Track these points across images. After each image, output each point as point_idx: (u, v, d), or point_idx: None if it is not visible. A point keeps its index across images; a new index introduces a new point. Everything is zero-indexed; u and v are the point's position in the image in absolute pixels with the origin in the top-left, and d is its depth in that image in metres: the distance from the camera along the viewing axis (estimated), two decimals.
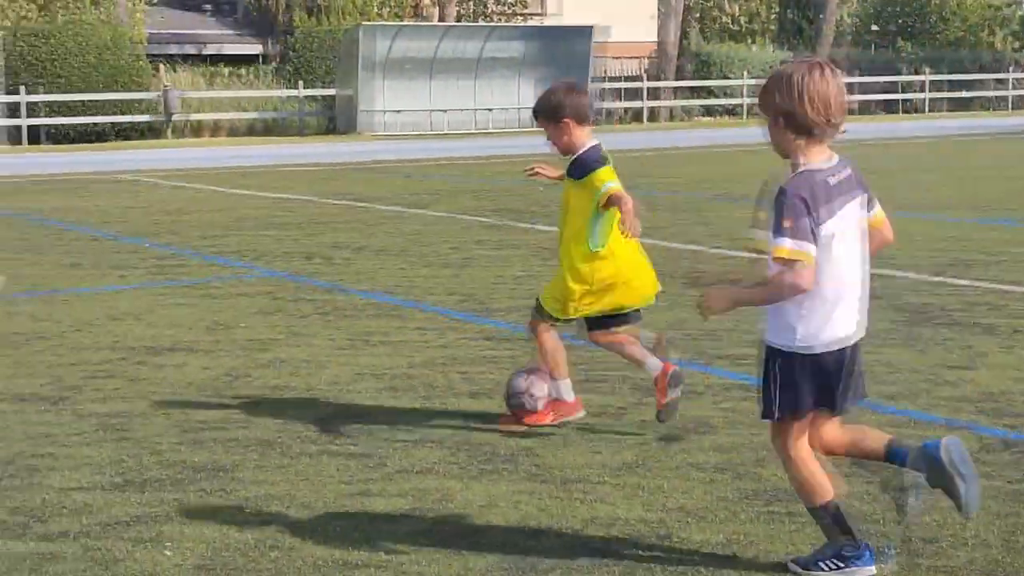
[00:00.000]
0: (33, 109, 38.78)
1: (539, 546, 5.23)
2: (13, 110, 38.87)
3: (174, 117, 40.94)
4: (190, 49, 49.81)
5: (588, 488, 5.98)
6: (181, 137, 41.18)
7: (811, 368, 4.67)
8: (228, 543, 5.31)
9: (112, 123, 39.89)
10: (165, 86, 41.71)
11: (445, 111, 44.28)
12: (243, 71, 46.46)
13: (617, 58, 53.63)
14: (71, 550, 5.26)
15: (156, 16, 49.59)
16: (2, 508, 5.80)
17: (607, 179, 6.68)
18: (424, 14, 52.61)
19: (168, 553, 5.20)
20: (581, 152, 6.82)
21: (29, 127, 38.46)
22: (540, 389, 6.98)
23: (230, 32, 52.67)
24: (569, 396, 7.02)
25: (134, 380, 8.31)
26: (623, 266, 6.81)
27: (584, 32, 45.75)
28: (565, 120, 6.76)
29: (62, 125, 39.41)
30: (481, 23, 51.84)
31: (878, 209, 4.88)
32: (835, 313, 4.68)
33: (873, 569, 4.82)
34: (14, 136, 38.76)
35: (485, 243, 14.99)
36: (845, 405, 4.79)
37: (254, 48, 51.15)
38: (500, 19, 54.81)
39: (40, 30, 40.58)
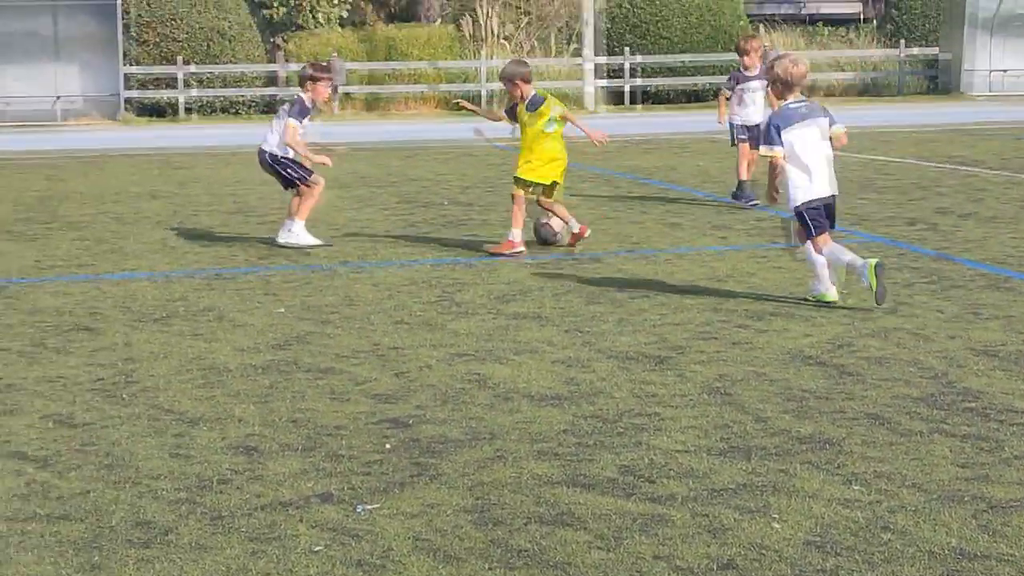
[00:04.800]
0: (635, 71, 39.90)
1: None
2: (615, 72, 40.12)
3: None
4: (788, 9, 49.62)
5: None
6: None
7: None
8: (837, 520, 5.14)
9: (710, 83, 40.40)
10: (765, 46, 41.75)
11: None
12: (842, 31, 45.83)
13: None
14: (679, 515, 5.25)
15: None
16: (612, 466, 5.89)
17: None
18: None
19: (776, 526, 5.09)
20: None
21: (631, 88, 39.62)
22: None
23: None
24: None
25: (737, 344, 8.28)
26: None
27: None
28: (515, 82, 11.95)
29: (661, 86, 40.38)
30: None
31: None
32: None
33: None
34: (615, 97, 40.02)
35: None
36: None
37: (853, 8, 50.26)
38: None
39: None
